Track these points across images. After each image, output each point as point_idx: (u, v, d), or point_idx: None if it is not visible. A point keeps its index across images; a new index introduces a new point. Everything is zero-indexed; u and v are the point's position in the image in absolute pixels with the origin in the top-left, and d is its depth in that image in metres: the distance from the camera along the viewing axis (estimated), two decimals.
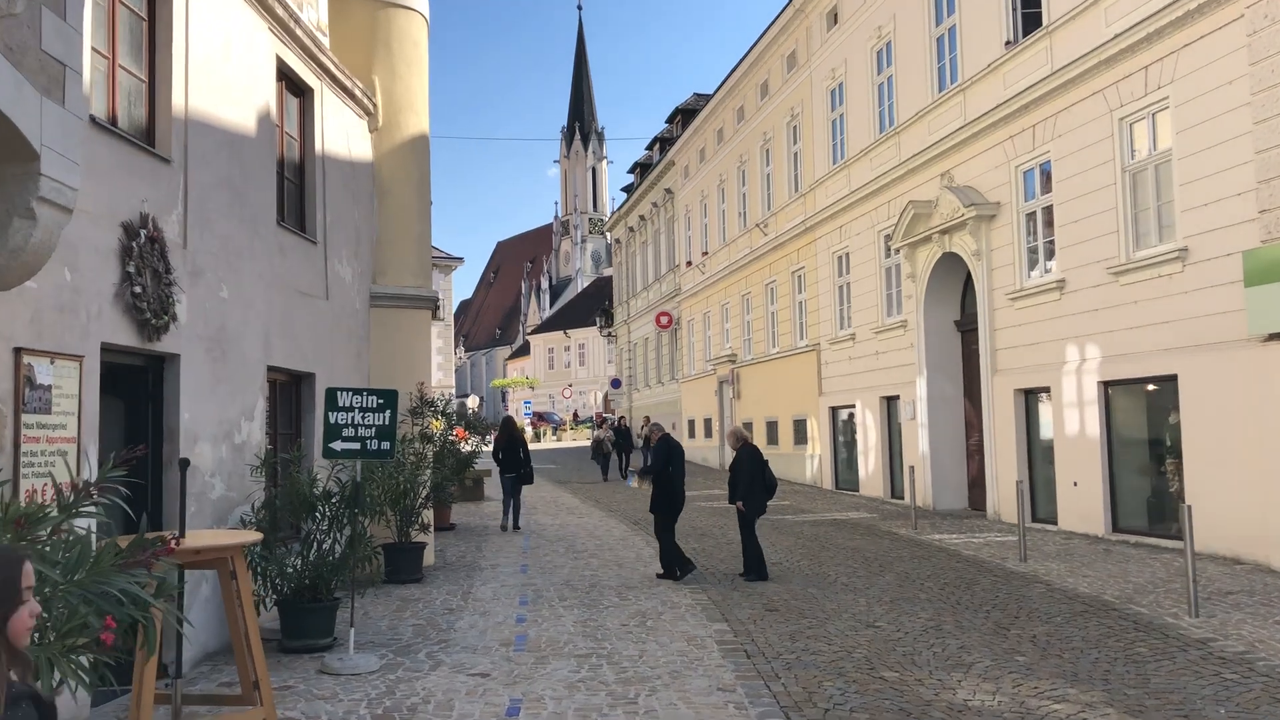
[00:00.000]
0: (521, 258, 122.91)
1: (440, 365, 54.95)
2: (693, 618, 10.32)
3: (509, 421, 19.43)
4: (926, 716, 6.98)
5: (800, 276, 27.34)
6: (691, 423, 38.46)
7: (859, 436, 23.47)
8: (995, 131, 17.72)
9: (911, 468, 18.37)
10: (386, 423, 8.50)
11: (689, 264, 38.15)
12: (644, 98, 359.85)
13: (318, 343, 11.34)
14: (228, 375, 9.01)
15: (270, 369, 10.08)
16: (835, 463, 25.25)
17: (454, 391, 59.16)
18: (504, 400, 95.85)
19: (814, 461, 26.29)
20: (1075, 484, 15.83)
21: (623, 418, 34.95)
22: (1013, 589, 11.56)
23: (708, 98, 35.97)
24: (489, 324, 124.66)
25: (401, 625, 10.03)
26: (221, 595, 6.40)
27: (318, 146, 11.69)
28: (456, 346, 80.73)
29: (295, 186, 11.41)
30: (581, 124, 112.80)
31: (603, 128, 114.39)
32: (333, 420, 8.35)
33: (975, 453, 19.46)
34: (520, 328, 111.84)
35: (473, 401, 59.06)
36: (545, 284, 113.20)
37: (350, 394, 8.41)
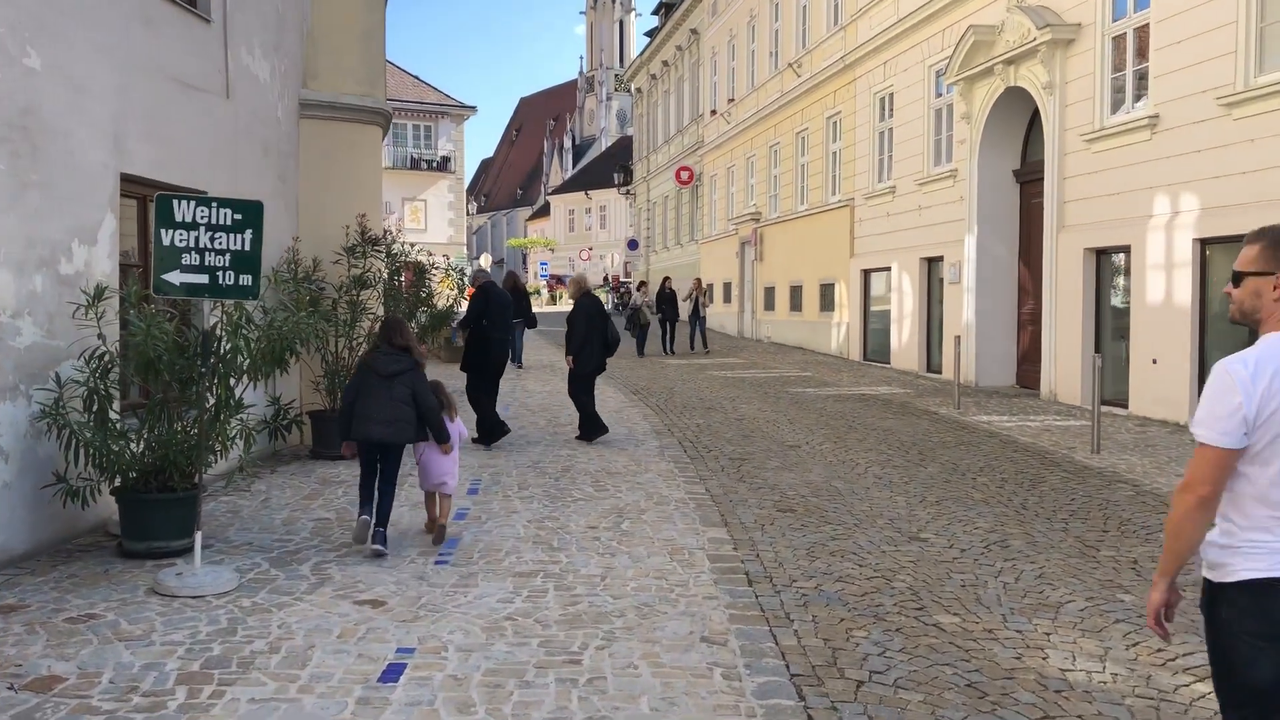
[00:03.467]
0: (545, 115, 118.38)
1: (452, 221, 52.38)
2: (682, 519, 7.97)
3: (513, 274, 20.65)
4: (1010, 701, 4.62)
5: (836, 123, 24.33)
6: (710, 287, 35.85)
7: (894, 303, 20.84)
8: None
9: (957, 338, 15.80)
10: (247, 247, 5.99)
11: (713, 113, 34.97)
12: None
13: (212, 153, 8.77)
14: (41, 179, 6.50)
15: (128, 179, 7.55)
16: (865, 332, 22.69)
17: (465, 250, 56.59)
18: (524, 261, 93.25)
19: (840, 330, 23.76)
20: (1154, 361, 13.27)
21: (667, 279, 27.45)
22: (1090, 490, 9.16)
23: None
24: (510, 183, 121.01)
25: (301, 520, 7.72)
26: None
27: None
28: (469, 202, 77.73)
29: None
30: None
31: None
32: (167, 241, 5.85)
33: (1028, 323, 16.88)
34: (542, 188, 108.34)
35: (485, 261, 56.43)
36: (568, 143, 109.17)
37: (193, 205, 5.88)
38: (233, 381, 6.75)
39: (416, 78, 51.63)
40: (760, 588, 6.23)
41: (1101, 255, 14.67)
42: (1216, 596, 2.97)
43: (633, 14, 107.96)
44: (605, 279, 70.37)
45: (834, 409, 14.64)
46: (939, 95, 19.14)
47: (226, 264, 5.95)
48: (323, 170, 10.77)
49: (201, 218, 5.89)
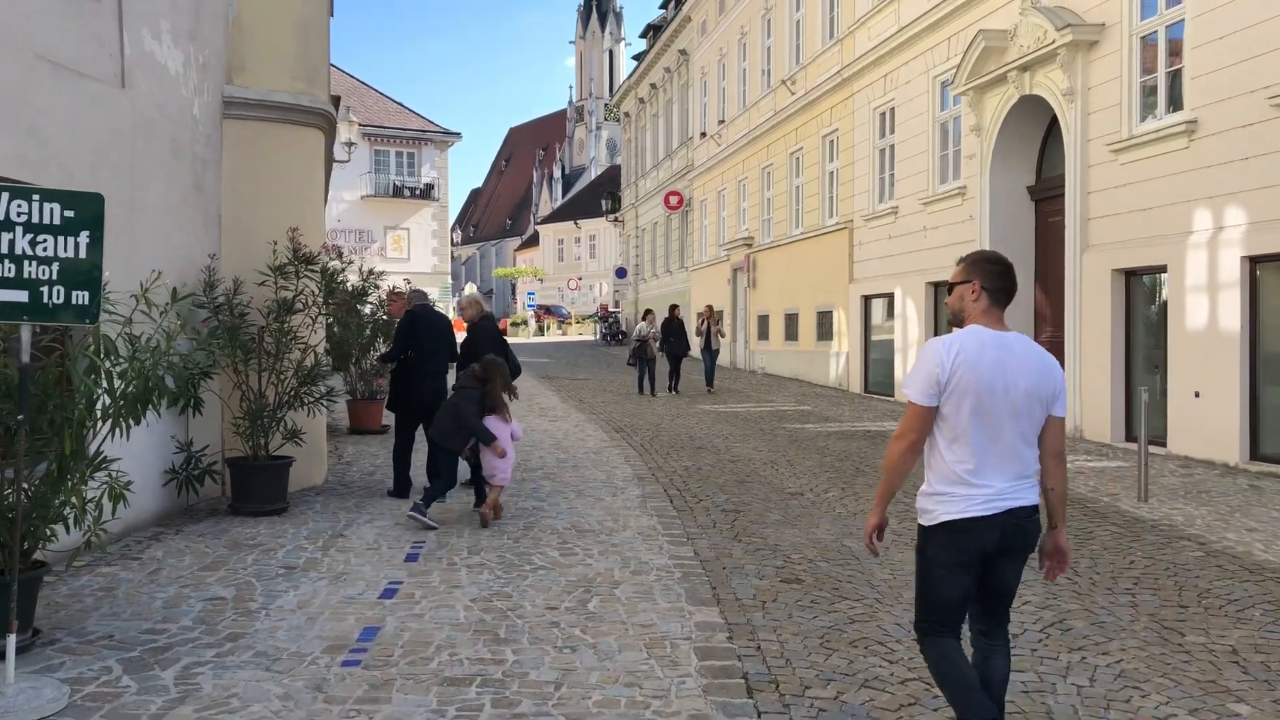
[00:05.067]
0: (534, 145, 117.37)
1: (436, 250, 50.92)
2: (665, 595, 6.45)
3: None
4: None
5: (833, 141, 23.02)
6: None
7: (897, 330, 19.43)
8: None
9: None
10: (83, 254, 4.53)
11: (703, 135, 33.71)
12: None
13: (99, 151, 7.32)
14: None
15: None
16: (866, 362, 21.28)
17: (450, 280, 55.07)
18: (512, 292, 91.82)
19: (839, 360, 22.33)
20: (1197, 395, 11.87)
21: (675, 307, 23.25)
22: (1150, 550, 7.70)
23: None
24: (499, 213, 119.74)
25: (189, 600, 6.19)
26: None
27: None
28: (457, 232, 76.25)
29: None
30: (599, 1, 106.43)
31: (621, 6, 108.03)
32: None
33: (1048, 351, 15.44)
34: (531, 218, 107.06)
35: (470, 290, 54.96)
36: (558, 173, 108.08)
37: (6, 197, 4.42)
38: (89, 430, 5.27)
39: (399, 104, 50.44)
40: (764, 699, 4.74)
41: (1132, 277, 13.30)
42: (925, 538, 3.79)
43: (622, 43, 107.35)
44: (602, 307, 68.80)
45: (838, 448, 13.19)
46: (944, 108, 17.85)
47: (54, 276, 4.49)
48: (251, 178, 9.33)
49: (19, 214, 4.43)
